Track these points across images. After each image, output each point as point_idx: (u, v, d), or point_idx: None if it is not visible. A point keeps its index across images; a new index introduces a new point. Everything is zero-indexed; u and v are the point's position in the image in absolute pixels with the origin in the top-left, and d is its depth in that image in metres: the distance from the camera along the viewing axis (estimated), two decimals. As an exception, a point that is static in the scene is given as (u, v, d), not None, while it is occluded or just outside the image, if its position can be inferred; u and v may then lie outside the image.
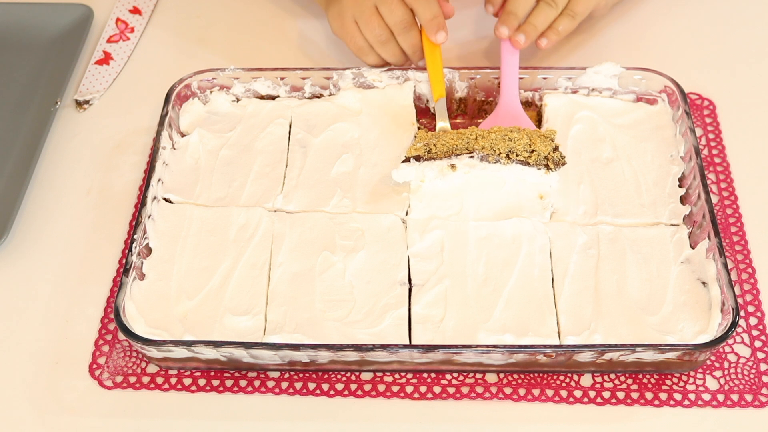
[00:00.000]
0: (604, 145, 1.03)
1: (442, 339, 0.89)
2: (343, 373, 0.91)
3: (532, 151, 0.95)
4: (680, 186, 0.99)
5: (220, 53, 1.22)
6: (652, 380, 0.90)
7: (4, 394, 0.91)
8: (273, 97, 1.10)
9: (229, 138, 1.06)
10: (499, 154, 0.95)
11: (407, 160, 0.97)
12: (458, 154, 0.95)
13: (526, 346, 0.87)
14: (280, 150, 1.05)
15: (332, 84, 1.09)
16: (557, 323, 0.90)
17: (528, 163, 0.95)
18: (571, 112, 1.06)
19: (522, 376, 0.90)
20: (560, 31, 1.04)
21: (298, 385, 0.90)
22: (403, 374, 0.91)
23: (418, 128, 1.06)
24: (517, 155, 0.95)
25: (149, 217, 0.97)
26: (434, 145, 0.97)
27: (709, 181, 1.04)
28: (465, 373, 0.90)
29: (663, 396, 0.89)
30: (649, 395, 0.89)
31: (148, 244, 0.96)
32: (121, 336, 0.94)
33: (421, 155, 0.97)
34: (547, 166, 0.95)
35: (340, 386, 0.90)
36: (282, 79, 1.09)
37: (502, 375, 0.90)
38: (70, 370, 0.92)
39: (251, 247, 0.96)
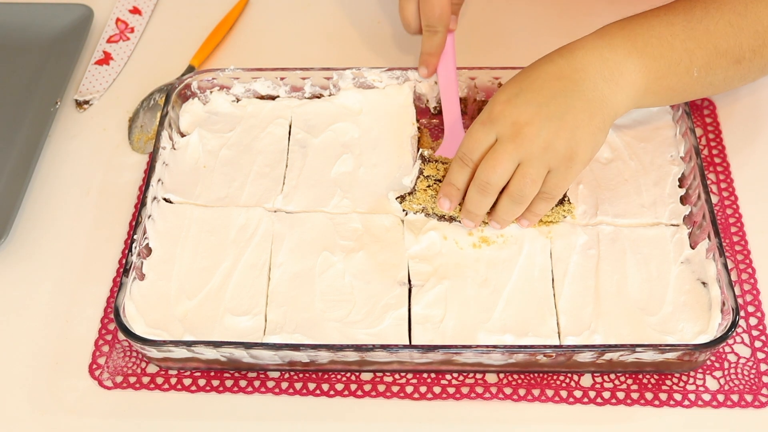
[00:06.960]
0: (603, 145, 1.03)
1: (442, 339, 0.89)
2: (343, 373, 0.91)
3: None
4: (680, 186, 0.99)
5: (220, 53, 1.22)
6: (652, 380, 0.90)
7: (4, 394, 0.91)
8: (273, 97, 1.10)
9: (229, 138, 1.06)
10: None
11: (401, 198, 0.97)
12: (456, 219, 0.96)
13: (526, 347, 0.87)
14: (280, 150, 1.05)
15: (332, 84, 1.09)
16: (557, 323, 0.90)
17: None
18: (571, 112, 1.06)
19: (522, 377, 0.90)
20: (538, 213, 0.95)
21: (298, 385, 0.90)
22: (403, 374, 0.91)
23: (419, 128, 1.06)
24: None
25: (149, 217, 0.97)
26: (432, 208, 0.96)
27: (709, 181, 1.04)
28: (465, 374, 0.90)
29: (663, 396, 0.89)
30: (649, 395, 0.89)
31: (148, 244, 0.96)
32: (121, 336, 0.94)
33: (416, 212, 0.97)
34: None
35: (340, 386, 0.90)
36: (282, 79, 1.09)
37: (502, 375, 0.90)
38: (70, 370, 0.92)
39: (251, 247, 0.96)
